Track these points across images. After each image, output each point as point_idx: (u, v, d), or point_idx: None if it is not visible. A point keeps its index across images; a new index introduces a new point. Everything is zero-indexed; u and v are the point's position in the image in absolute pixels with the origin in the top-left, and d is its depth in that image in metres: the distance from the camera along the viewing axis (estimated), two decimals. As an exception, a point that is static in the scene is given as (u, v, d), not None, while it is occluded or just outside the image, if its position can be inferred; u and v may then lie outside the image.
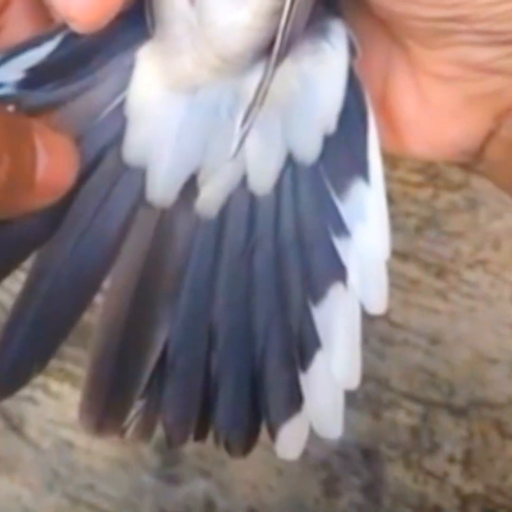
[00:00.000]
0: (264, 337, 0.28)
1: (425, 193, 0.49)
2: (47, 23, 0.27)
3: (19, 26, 0.27)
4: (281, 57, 0.24)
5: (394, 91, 0.28)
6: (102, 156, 0.27)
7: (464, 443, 0.47)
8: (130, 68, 0.26)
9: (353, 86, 0.27)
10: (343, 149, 0.27)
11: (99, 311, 0.28)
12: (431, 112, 0.27)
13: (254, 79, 0.26)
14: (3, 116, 0.24)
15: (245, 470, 0.48)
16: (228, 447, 0.28)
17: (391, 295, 0.48)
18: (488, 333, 0.47)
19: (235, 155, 0.26)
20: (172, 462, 0.48)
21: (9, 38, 0.27)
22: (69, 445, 0.47)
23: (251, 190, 0.27)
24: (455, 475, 0.47)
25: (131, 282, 0.28)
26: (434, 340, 0.47)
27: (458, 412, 0.47)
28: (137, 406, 0.28)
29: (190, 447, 0.48)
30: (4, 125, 0.24)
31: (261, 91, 0.25)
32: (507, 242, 0.48)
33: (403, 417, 0.47)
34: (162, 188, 0.27)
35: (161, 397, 0.28)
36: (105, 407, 0.28)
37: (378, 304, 0.28)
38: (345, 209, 0.27)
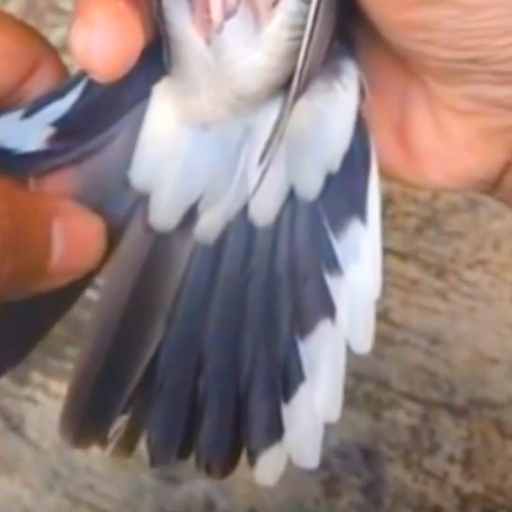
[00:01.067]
0: (250, 365, 0.28)
1: (425, 193, 0.49)
2: None
3: (44, 89, 0.27)
4: (298, 96, 0.25)
5: (412, 121, 0.28)
6: (109, 180, 0.27)
7: (464, 443, 0.47)
8: (146, 104, 0.27)
9: (360, 128, 0.27)
10: (344, 189, 0.28)
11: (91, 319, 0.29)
12: (449, 143, 0.27)
13: (267, 115, 0.26)
14: (13, 198, 0.24)
15: (245, 471, 0.48)
16: (208, 469, 0.29)
17: (391, 295, 0.48)
18: (488, 333, 0.47)
19: (255, 192, 0.27)
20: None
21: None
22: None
23: (251, 221, 0.28)
24: (455, 475, 0.47)
25: (122, 297, 0.28)
26: (434, 340, 0.47)
27: (458, 412, 0.47)
28: (121, 420, 0.28)
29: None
30: (14, 212, 0.24)
31: (279, 129, 0.25)
32: (507, 242, 0.48)
33: (403, 417, 0.47)
34: (163, 214, 0.27)
35: (146, 415, 0.29)
36: (86, 418, 0.28)
37: (363, 343, 0.28)
38: (340, 247, 0.28)
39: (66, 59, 0.50)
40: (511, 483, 0.46)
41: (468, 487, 0.47)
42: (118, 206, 0.27)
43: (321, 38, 0.24)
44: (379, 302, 0.49)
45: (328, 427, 0.47)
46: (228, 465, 0.30)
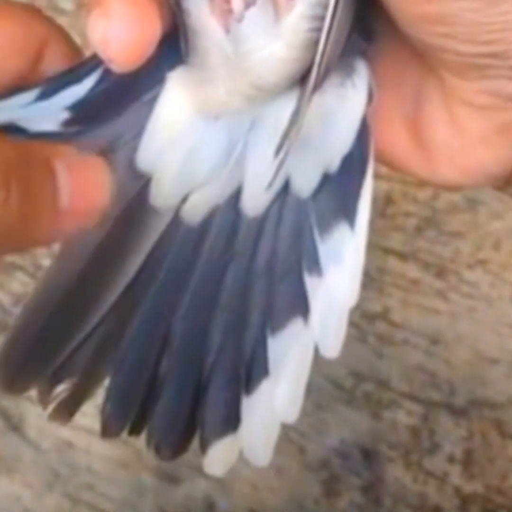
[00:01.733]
0: (217, 352, 0.28)
1: (425, 193, 0.49)
2: None
3: (54, 71, 0.27)
4: (316, 88, 0.25)
5: (426, 115, 0.28)
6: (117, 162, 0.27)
7: (464, 443, 0.47)
8: (160, 91, 0.27)
9: (363, 132, 0.27)
10: (337, 191, 0.28)
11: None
12: (463, 137, 0.27)
13: (278, 106, 0.26)
14: (6, 143, 0.24)
15: (245, 470, 0.48)
16: (157, 450, 0.29)
17: (391, 295, 0.48)
18: (488, 333, 0.47)
19: (270, 184, 0.27)
20: (172, 462, 0.48)
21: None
22: (69, 445, 0.47)
23: (241, 209, 0.28)
24: (455, 475, 0.47)
25: (88, 248, 0.28)
26: (434, 340, 0.47)
27: (458, 412, 0.47)
28: (67, 383, 0.28)
29: (190, 447, 0.48)
30: (9, 152, 0.23)
31: (297, 121, 0.25)
32: (507, 242, 0.48)
33: (403, 417, 0.47)
34: (163, 196, 0.27)
35: (95, 383, 0.28)
36: (25, 360, 0.28)
37: (332, 349, 0.28)
38: (324, 249, 0.28)
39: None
40: (511, 483, 0.47)
41: (468, 487, 0.47)
42: (121, 186, 0.27)
43: (340, 29, 0.24)
44: (379, 302, 0.49)
45: (328, 427, 0.47)
46: (178, 449, 0.29)
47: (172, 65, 0.26)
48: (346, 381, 0.48)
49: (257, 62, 0.25)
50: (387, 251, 0.48)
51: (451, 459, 0.47)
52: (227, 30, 0.24)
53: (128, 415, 0.29)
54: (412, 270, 0.48)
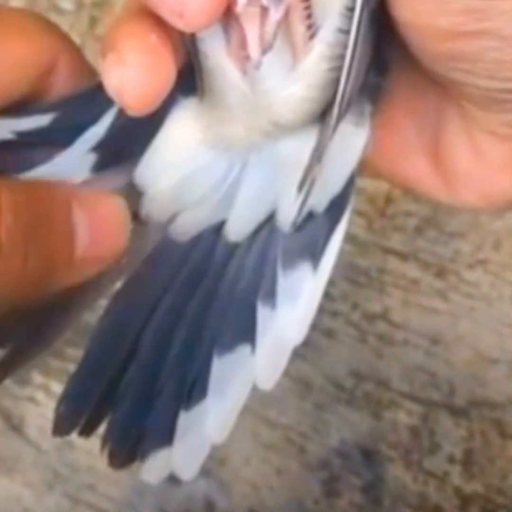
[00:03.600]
0: (171, 366, 0.29)
1: (425, 193, 0.49)
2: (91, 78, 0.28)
3: (64, 83, 0.27)
4: (337, 125, 0.25)
5: (447, 142, 0.27)
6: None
7: (464, 443, 0.47)
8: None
9: (354, 175, 0.28)
10: (313, 230, 0.28)
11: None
12: (484, 165, 0.27)
13: (291, 141, 0.26)
14: (30, 190, 0.24)
15: (245, 470, 0.48)
16: (110, 456, 0.29)
17: (391, 295, 0.48)
18: (488, 333, 0.47)
19: (297, 219, 0.27)
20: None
21: (56, 96, 0.27)
22: (69, 445, 0.47)
23: (225, 233, 0.28)
24: (455, 475, 0.47)
25: None
26: (434, 340, 0.47)
27: (458, 412, 0.47)
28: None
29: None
30: (27, 211, 0.23)
31: (318, 157, 0.25)
32: (507, 242, 0.48)
33: (403, 417, 0.47)
34: (156, 213, 0.28)
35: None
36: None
37: (267, 382, 0.28)
38: (283, 284, 0.28)
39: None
40: (511, 483, 0.46)
41: (468, 487, 0.47)
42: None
43: (359, 66, 0.24)
44: (379, 302, 0.49)
45: (328, 427, 0.47)
46: (129, 457, 0.29)
47: (185, 90, 0.26)
48: (346, 381, 0.48)
49: (276, 101, 0.25)
50: (387, 251, 0.48)
51: (451, 459, 0.47)
52: (244, 72, 0.24)
53: (80, 416, 0.29)
54: (412, 270, 0.48)
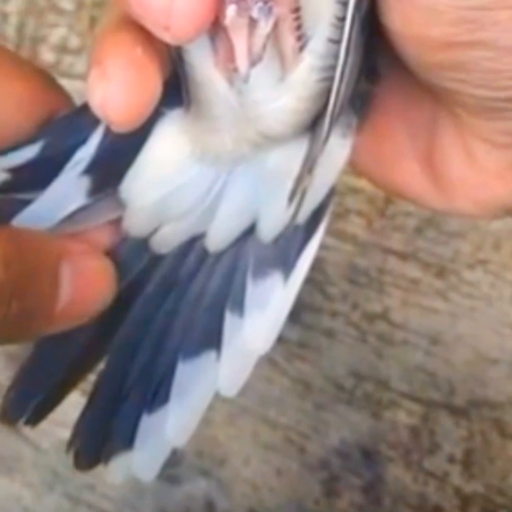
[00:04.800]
0: (139, 369, 0.29)
1: (425, 193, 0.49)
2: None
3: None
4: (328, 137, 0.24)
5: (441, 150, 0.27)
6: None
7: (464, 443, 0.47)
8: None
9: (334, 187, 0.27)
10: (286, 240, 0.28)
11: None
12: (479, 173, 0.27)
13: (279, 152, 0.26)
14: (22, 241, 0.24)
15: (245, 470, 0.48)
16: (76, 457, 0.29)
17: (391, 295, 0.48)
18: (488, 333, 0.47)
19: (286, 230, 0.27)
20: (172, 462, 0.48)
21: None
22: (69, 445, 0.48)
23: (206, 243, 0.28)
24: (455, 475, 0.47)
25: None
26: (434, 340, 0.47)
27: (458, 412, 0.47)
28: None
29: (190, 447, 0.48)
30: (23, 256, 0.23)
31: (309, 168, 0.25)
32: (507, 242, 0.48)
33: (403, 417, 0.47)
34: (138, 226, 0.27)
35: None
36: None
37: (230, 389, 0.28)
38: (252, 292, 0.28)
39: (67, 59, 0.50)
40: (511, 483, 0.46)
41: (468, 487, 0.47)
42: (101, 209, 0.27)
43: (350, 75, 0.23)
44: (379, 302, 0.49)
45: (328, 427, 0.47)
46: (94, 459, 0.30)
47: (170, 103, 0.26)
48: (346, 381, 0.48)
49: (264, 113, 0.24)
50: (387, 251, 0.48)
51: (451, 459, 0.47)
52: (232, 83, 0.24)
53: (27, 406, 0.29)
54: (412, 270, 0.48)
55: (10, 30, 0.50)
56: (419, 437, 0.47)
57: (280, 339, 0.47)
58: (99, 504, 0.48)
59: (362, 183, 0.48)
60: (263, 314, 0.28)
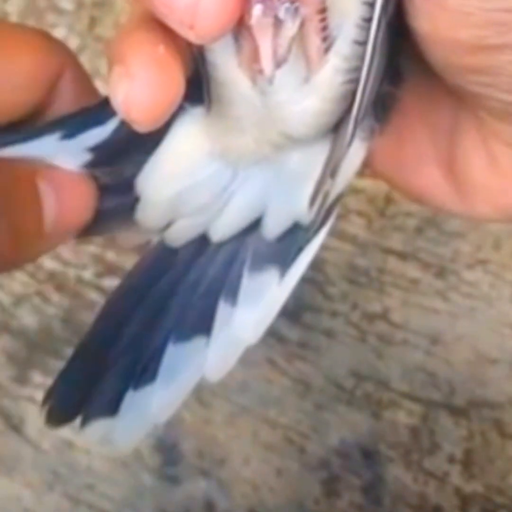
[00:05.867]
0: (128, 342, 0.29)
1: (425, 193, 0.49)
2: (91, 99, 0.27)
3: (67, 100, 0.27)
4: (353, 139, 0.24)
5: (462, 153, 0.27)
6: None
7: (464, 443, 0.47)
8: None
9: (341, 193, 0.27)
10: (288, 239, 0.28)
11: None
12: (500, 176, 0.26)
13: (300, 152, 0.26)
14: None
15: (245, 470, 0.48)
16: (49, 412, 0.29)
17: (391, 295, 0.48)
18: (488, 333, 0.47)
19: (310, 233, 0.27)
20: (172, 462, 0.48)
21: (58, 113, 0.27)
22: (69, 445, 0.47)
23: (210, 234, 0.28)
24: (455, 475, 0.47)
25: None
26: (434, 340, 0.47)
27: (458, 412, 0.47)
28: None
29: (190, 447, 0.48)
30: None
31: (332, 171, 0.25)
32: (507, 242, 0.48)
33: (403, 417, 0.47)
34: (148, 218, 0.28)
35: None
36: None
37: (214, 375, 0.29)
38: (247, 284, 0.28)
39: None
40: (511, 483, 0.46)
41: (468, 487, 0.47)
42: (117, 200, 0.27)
43: (375, 78, 0.23)
44: (379, 302, 0.49)
45: (328, 427, 0.47)
46: (67, 417, 0.30)
47: (192, 99, 0.25)
48: (346, 381, 0.48)
49: (288, 115, 0.24)
50: (387, 251, 0.48)
51: (451, 459, 0.47)
52: (255, 83, 0.23)
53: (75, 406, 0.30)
54: (412, 270, 0.48)
55: (10, 30, 0.50)
56: (419, 437, 0.47)
57: (280, 339, 0.47)
58: (99, 504, 0.48)
59: (363, 183, 0.48)
60: (255, 307, 0.28)
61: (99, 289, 0.48)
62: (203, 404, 0.47)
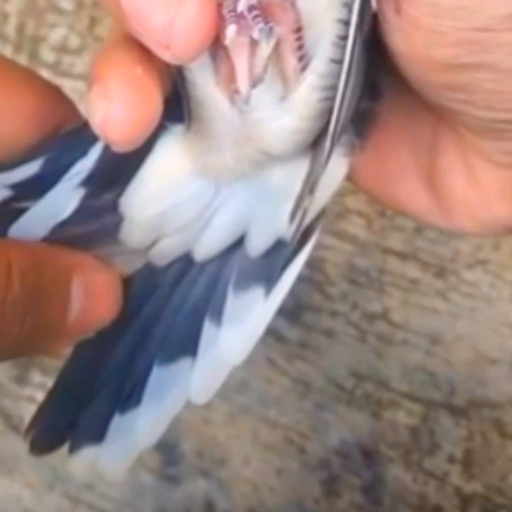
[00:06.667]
0: (115, 367, 0.29)
1: (425, 193, 0.49)
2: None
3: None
4: (330, 155, 0.24)
5: (442, 166, 0.27)
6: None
7: (464, 443, 0.47)
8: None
9: (324, 208, 0.27)
10: (272, 256, 0.28)
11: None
12: (481, 191, 0.26)
13: (279, 170, 0.26)
14: (37, 254, 0.24)
15: (245, 470, 0.48)
16: (33, 441, 0.29)
17: (391, 295, 0.48)
18: (488, 333, 0.47)
19: (289, 249, 0.27)
20: (172, 462, 0.48)
21: None
22: (69, 445, 0.48)
23: (193, 253, 0.28)
24: (455, 475, 0.47)
25: None
26: (434, 340, 0.47)
27: (458, 412, 0.47)
28: None
29: (190, 447, 0.48)
30: (37, 269, 0.23)
31: (310, 187, 0.25)
32: (507, 242, 0.48)
33: (403, 417, 0.47)
34: (132, 237, 0.28)
35: None
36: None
37: (200, 397, 0.29)
38: (232, 304, 0.28)
39: (67, 59, 0.50)
40: (511, 483, 0.46)
41: (468, 487, 0.47)
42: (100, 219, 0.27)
43: (352, 94, 0.23)
44: (379, 302, 0.49)
45: (328, 427, 0.47)
46: (50, 447, 0.30)
47: (172, 117, 0.25)
48: (346, 381, 0.47)
49: (266, 132, 0.24)
50: (387, 251, 0.48)
51: (451, 459, 0.47)
52: (233, 101, 0.24)
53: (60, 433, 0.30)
54: (412, 270, 0.48)
55: (10, 30, 0.50)
56: (419, 437, 0.47)
57: (280, 339, 0.47)
58: (99, 504, 0.48)
59: (362, 183, 0.48)
60: (240, 326, 0.28)
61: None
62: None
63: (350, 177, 0.28)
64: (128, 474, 0.48)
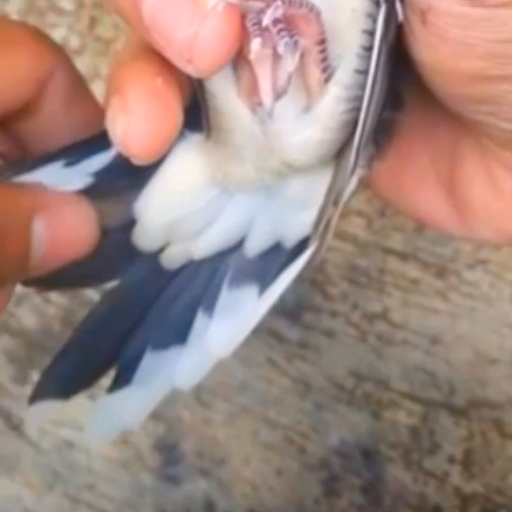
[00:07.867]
0: (108, 347, 0.29)
1: (425, 193, 0.49)
2: (83, 103, 0.27)
3: (57, 102, 0.27)
4: (356, 166, 0.24)
5: (463, 175, 0.27)
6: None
7: (464, 443, 0.47)
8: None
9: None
10: (269, 259, 0.28)
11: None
12: (501, 199, 0.26)
13: (300, 180, 0.26)
14: None
15: (245, 470, 0.48)
16: (37, 391, 0.30)
17: (391, 295, 0.48)
18: (488, 333, 0.47)
19: (313, 261, 0.27)
20: (172, 462, 0.48)
21: (46, 120, 0.27)
22: (69, 445, 0.47)
23: (193, 249, 0.28)
24: (455, 475, 0.47)
25: None
26: (434, 340, 0.47)
27: (458, 412, 0.47)
28: None
29: (190, 447, 0.48)
30: None
31: (331, 199, 0.24)
32: (507, 242, 0.48)
33: (403, 417, 0.47)
34: (144, 240, 0.28)
35: None
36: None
37: (185, 385, 0.29)
38: (224, 299, 0.28)
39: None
40: (511, 483, 0.46)
41: (468, 487, 0.47)
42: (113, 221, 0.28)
43: (376, 105, 0.23)
44: (379, 302, 0.49)
45: (328, 427, 0.47)
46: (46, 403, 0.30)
47: (192, 125, 0.25)
48: (346, 381, 0.47)
49: (289, 144, 0.24)
50: (387, 251, 0.48)
51: (451, 459, 0.47)
52: (255, 112, 0.23)
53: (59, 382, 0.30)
54: (412, 270, 0.48)
55: (10, 30, 0.50)
56: (419, 437, 0.47)
57: (280, 339, 0.47)
58: (99, 504, 0.48)
59: (362, 183, 0.48)
60: (230, 320, 0.28)
61: (99, 289, 0.48)
62: (203, 404, 0.47)
63: (369, 184, 0.27)
64: (128, 474, 0.48)
